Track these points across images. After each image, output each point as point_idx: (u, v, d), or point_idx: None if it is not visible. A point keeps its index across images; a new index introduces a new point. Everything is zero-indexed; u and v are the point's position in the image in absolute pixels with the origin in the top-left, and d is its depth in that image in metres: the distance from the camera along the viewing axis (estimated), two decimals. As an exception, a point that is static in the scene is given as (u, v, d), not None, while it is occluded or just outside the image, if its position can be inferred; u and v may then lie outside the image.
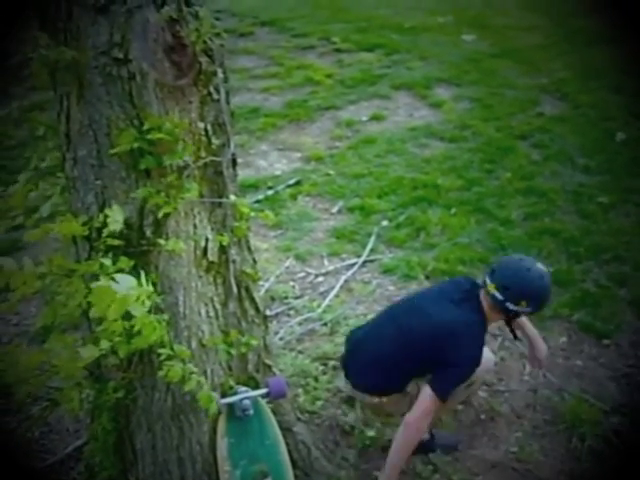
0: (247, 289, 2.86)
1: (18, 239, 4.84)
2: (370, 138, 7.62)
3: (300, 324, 4.59)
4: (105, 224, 2.31)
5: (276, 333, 4.40)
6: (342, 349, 4.22)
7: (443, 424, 3.77)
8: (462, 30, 11.64)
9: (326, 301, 4.82)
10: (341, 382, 4.00)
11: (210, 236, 2.58)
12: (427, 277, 5.01)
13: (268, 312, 3.15)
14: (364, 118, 8.24)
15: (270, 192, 6.43)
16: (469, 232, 5.63)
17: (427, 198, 6.17)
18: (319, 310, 4.71)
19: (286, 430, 3.02)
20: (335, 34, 11.49)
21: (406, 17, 12.57)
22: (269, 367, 3.05)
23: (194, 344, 2.64)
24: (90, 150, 2.37)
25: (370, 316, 4.27)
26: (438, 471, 3.47)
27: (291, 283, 5.11)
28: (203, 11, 2.32)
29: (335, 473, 3.29)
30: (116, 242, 2.32)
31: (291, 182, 6.65)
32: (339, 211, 6.14)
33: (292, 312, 4.76)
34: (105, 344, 2.18)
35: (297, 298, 4.92)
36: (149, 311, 2.11)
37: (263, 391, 2.81)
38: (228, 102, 2.56)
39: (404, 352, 3.21)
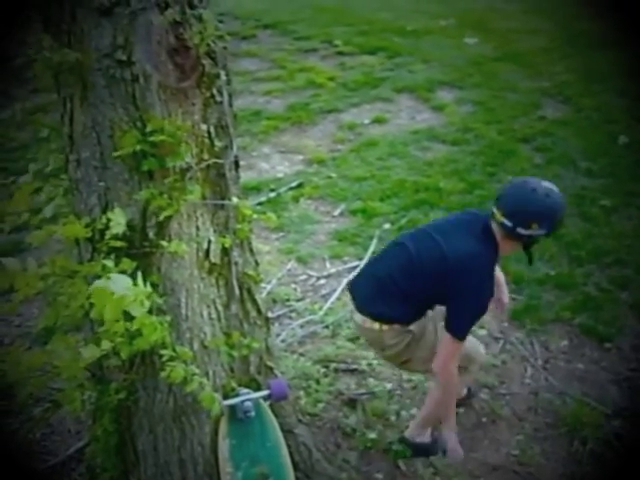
0: (249, 291, 2.86)
1: (21, 241, 4.85)
2: (372, 141, 7.62)
3: (302, 326, 4.59)
4: (108, 226, 2.31)
5: (278, 335, 4.41)
6: (344, 352, 4.24)
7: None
8: (465, 33, 11.64)
9: (328, 304, 4.82)
10: (343, 385, 4.02)
11: (212, 238, 2.58)
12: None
13: (270, 314, 3.15)
14: (366, 121, 8.25)
15: (272, 195, 6.44)
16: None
17: (429, 201, 6.18)
18: (321, 313, 4.72)
19: (287, 432, 3.02)
20: (337, 37, 11.50)
21: (408, 20, 12.57)
22: (271, 369, 3.05)
23: (196, 346, 2.64)
24: (93, 152, 2.38)
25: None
26: (439, 473, 3.47)
27: (293, 286, 5.11)
28: (206, 14, 2.32)
29: (336, 475, 3.29)
30: (119, 244, 2.32)
31: (293, 185, 6.66)
32: (341, 214, 6.15)
33: (294, 314, 4.77)
34: (106, 344, 2.18)
35: (299, 301, 4.93)
36: (150, 312, 2.11)
37: (265, 393, 2.82)
38: (231, 104, 2.57)
39: (413, 281, 3.14)
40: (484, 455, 3.61)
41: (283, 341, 4.42)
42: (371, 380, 4.06)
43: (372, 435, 3.66)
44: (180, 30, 2.27)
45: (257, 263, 2.95)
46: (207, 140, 2.46)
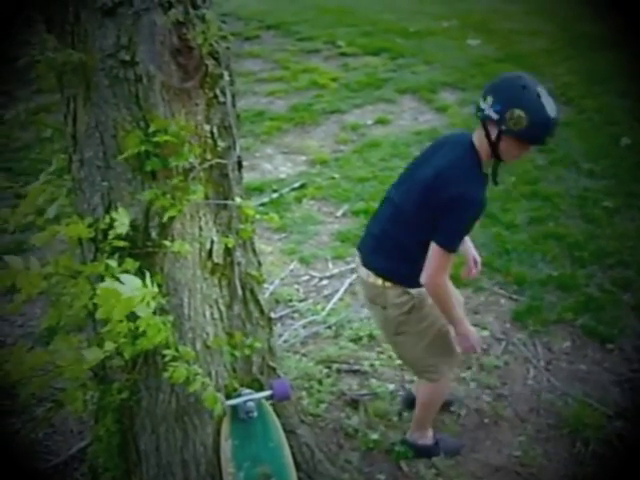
0: (252, 291, 2.86)
1: (24, 241, 4.86)
2: (375, 142, 7.63)
3: (304, 327, 4.60)
4: (111, 226, 2.32)
5: (280, 336, 4.41)
6: (346, 352, 4.25)
7: (446, 427, 3.77)
8: (467, 34, 11.65)
9: (330, 304, 4.83)
10: (345, 386, 4.02)
11: (215, 238, 2.58)
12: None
13: (272, 315, 3.15)
14: (369, 122, 8.25)
15: (275, 195, 6.45)
16: (473, 236, 5.54)
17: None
18: (323, 313, 4.72)
19: (290, 432, 3.02)
20: (340, 38, 11.51)
21: (411, 21, 12.58)
22: (273, 369, 3.05)
23: (199, 346, 2.64)
24: (96, 152, 2.38)
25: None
26: (441, 475, 3.47)
27: (295, 286, 5.12)
28: (209, 14, 2.33)
29: (338, 476, 3.29)
30: (122, 244, 2.33)
31: (296, 185, 6.66)
32: (344, 214, 6.15)
33: (296, 315, 4.77)
34: (110, 346, 2.18)
35: (301, 301, 4.93)
36: (154, 312, 2.11)
37: (267, 393, 2.82)
38: (234, 105, 2.57)
39: (401, 226, 3.11)
40: (486, 456, 3.61)
41: (286, 341, 4.42)
42: (373, 381, 4.07)
43: (374, 436, 3.66)
44: (183, 30, 2.28)
45: (260, 263, 2.95)
46: (210, 140, 2.47)
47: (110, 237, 2.31)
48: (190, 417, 2.71)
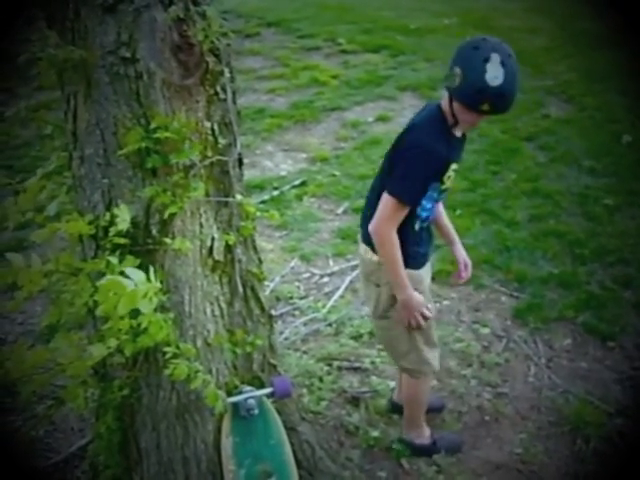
0: (253, 289, 2.86)
1: (24, 238, 4.85)
2: (376, 139, 7.62)
3: (305, 324, 4.60)
4: (111, 223, 2.31)
5: (281, 333, 4.41)
6: (347, 350, 4.25)
7: (447, 425, 3.77)
8: (467, 32, 11.60)
9: (331, 302, 4.83)
10: (346, 383, 4.02)
11: (216, 235, 2.58)
12: (433, 278, 4.99)
13: (273, 312, 3.15)
14: (370, 119, 8.25)
15: (275, 193, 6.45)
16: (474, 233, 5.63)
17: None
18: (324, 311, 4.72)
19: (290, 430, 3.02)
20: (341, 35, 11.51)
21: (411, 19, 12.59)
22: (274, 367, 3.05)
23: (199, 343, 2.63)
24: (97, 149, 2.38)
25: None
26: (442, 472, 3.47)
27: (296, 283, 5.11)
28: (211, 10, 2.32)
29: (339, 473, 3.29)
30: (122, 241, 2.32)
31: (296, 183, 6.66)
32: (344, 212, 6.15)
33: (297, 312, 4.77)
34: (112, 342, 2.18)
35: (302, 298, 4.93)
36: (155, 309, 2.11)
37: (268, 390, 2.81)
38: (235, 102, 2.56)
39: (376, 192, 3.09)
40: (487, 453, 3.60)
41: (286, 339, 4.42)
42: (374, 378, 4.06)
43: (375, 433, 3.66)
44: (184, 27, 2.27)
45: (261, 261, 2.94)
46: (211, 137, 2.46)
47: (111, 234, 2.30)
48: (191, 414, 2.71)
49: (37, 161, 5.27)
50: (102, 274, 2.19)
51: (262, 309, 2.93)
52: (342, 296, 4.92)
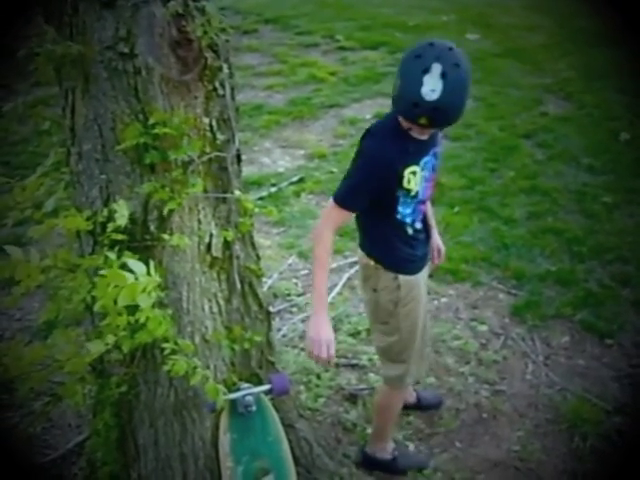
0: (251, 285, 2.86)
1: (22, 234, 4.84)
2: (374, 136, 7.60)
3: (303, 321, 4.59)
4: (109, 219, 2.31)
5: (279, 330, 4.41)
6: (345, 347, 4.24)
7: (444, 422, 3.78)
8: (466, 29, 11.64)
9: (329, 298, 4.81)
10: (343, 380, 4.02)
11: (214, 232, 2.57)
12: (430, 275, 5.00)
13: (271, 309, 3.14)
14: (368, 116, 8.24)
15: (273, 189, 6.44)
16: (472, 231, 5.64)
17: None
18: (322, 307, 4.71)
19: (288, 427, 3.02)
20: (339, 32, 11.51)
21: (410, 15, 12.59)
22: (272, 364, 3.05)
23: (197, 340, 2.63)
24: (95, 144, 2.37)
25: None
26: (439, 469, 3.47)
27: (294, 280, 5.11)
28: (209, 6, 2.32)
29: (337, 470, 3.29)
30: (120, 237, 2.32)
31: (294, 179, 6.66)
32: (342, 209, 6.13)
33: (295, 309, 4.77)
34: (111, 338, 2.17)
35: (300, 295, 4.93)
36: (153, 306, 2.11)
37: (266, 387, 2.81)
38: (233, 98, 2.56)
39: None
40: (485, 451, 3.61)
41: (284, 336, 4.42)
42: (372, 375, 4.06)
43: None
44: (182, 23, 2.26)
45: (259, 257, 2.94)
46: (209, 133, 2.45)
47: (109, 230, 2.30)
48: (189, 411, 2.71)
49: (35, 157, 5.28)
50: (100, 270, 2.19)
51: (260, 306, 2.93)
52: (340, 293, 4.91)
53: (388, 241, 3.00)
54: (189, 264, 2.55)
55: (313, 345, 2.79)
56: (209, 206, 2.55)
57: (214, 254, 2.60)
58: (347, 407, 3.85)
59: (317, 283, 2.85)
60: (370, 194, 2.83)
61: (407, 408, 3.75)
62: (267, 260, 5.10)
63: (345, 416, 3.77)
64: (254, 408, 2.75)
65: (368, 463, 3.50)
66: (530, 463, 3.52)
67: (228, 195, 2.59)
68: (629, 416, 3.77)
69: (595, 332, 4.47)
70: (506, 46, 10.62)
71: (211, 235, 2.57)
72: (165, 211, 2.35)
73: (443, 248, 3.48)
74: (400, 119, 2.75)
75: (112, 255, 2.19)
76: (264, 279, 3.33)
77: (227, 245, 2.64)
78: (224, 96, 2.48)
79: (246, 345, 2.81)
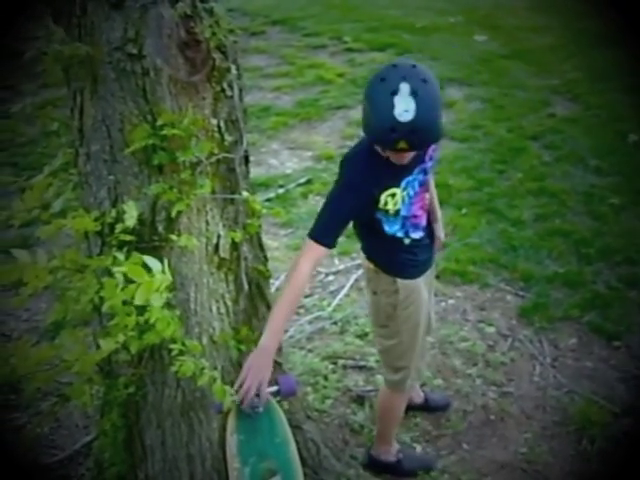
0: (258, 286, 2.86)
1: (30, 235, 4.85)
2: (381, 138, 7.59)
3: (310, 323, 4.59)
4: (117, 219, 2.31)
5: (286, 331, 4.40)
6: (352, 348, 4.24)
7: (452, 424, 3.77)
8: (473, 30, 11.63)
9: (336, 300, 4.82)
10: (351, 381, 4.01)
11: (222, 233, 2.57)
12: (437, 277, 4.99)
13: (278, 310, 3.14)
14: (375, 118, 8.22)
15: (281, 191, 6.44)
16: (480, 232, 5.63)
17: (438, 198, 6.15)
18: (329, 309, 4.72)
19: (295, 428, 3.01)
20: (346, 33, 11.50)
21: (417, 17, 12.57)
22: (279, 365, 3.04)
23: (205, 340, 2.63)
24: (103, 145, 2.38)
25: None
26: (447, 471, 3.47)
27: (301, 282, 5.10)
28: (218, 7, 2.32)
29: (344, 471, 3.29)
30: (128, 238, 2.32)
31: (302, 181, 6.66)
32: (349, 210, 6.13)
33: (302, 311, 4.76)
34: (121, 337, 2.17)
35: (307, 297, 4.92)
36: (162, 306, 2.11)
37: (273, 389, 2.80)
38: (241, 99, 2.56)
39: None
40: (492, 453, 3.60)
41: (291, 337, 4.42)
42: (379, 377, 4.05)
43: (380, 432, 3.66)
44: (191, 24, 2.27)
45: (266, 258, 2.94)
46: (217, 134, 2.46)
47: (117, 231, 2.30)
48: (196, 412, 2.71)
49: (42, 158, 5.26)
50: (108, 270, 2.19)
51: (267, 307, 2.93)
52: (347, 294, 4.91)
53: (386, 250, 2.99)
54: (197, 265, 2.55)
55: (245, 376, 2.48)
56: (217, 207, 2.55)
57: (222, 255, 2.60)
58: (354, 409, 3.85)
59: (276, 316, 2.61)
60: (346, 223, 2.78)
61: (415, 409, 3.76)
62: (275, 261, 5.09)
63: (352, 418, 3.77)
64: (261, 409, 2.74)
65: (373, 465, 3.49)
66: (537, 465, 3.51)
67: (236, 196, 2.60)
68: (636, 418, 3.76)
69: (603, 334, 4.45)
70: (513, 48, 10.60)
71: (219, 236, 2.57)
72: (173, 212, 2.35)
73: (442, 236, 3.40)
74: (377, 148, 2.66)
75: (120, 256, 2.19)
76: (272, 280, 3.32)
77: (235, 246, 2.65)
78: (232, 97, 2.49)
79: (253, 346, 2.81)
